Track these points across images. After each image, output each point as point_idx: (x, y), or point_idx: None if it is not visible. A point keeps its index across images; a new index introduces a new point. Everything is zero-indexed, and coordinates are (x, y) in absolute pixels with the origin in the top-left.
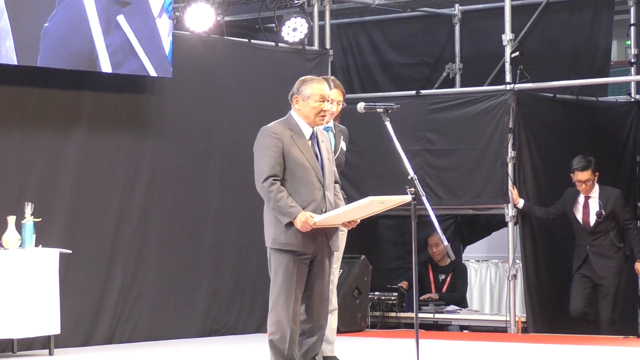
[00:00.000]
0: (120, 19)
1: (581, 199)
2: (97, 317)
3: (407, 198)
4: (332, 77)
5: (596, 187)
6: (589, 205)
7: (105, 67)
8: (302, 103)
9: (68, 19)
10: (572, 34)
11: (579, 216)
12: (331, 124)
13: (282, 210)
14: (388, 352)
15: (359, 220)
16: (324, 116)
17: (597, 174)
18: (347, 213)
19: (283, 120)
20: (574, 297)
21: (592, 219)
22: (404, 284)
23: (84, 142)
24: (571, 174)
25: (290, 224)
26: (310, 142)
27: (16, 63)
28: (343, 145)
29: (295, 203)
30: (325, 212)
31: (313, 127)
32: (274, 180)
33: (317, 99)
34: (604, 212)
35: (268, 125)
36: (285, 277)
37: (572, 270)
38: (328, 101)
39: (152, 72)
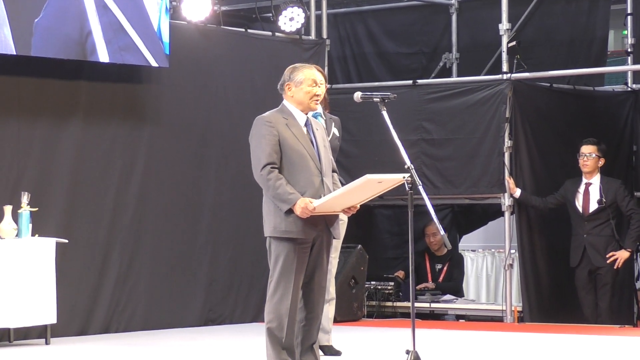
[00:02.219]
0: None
1: (582, 187)
2: (94, 307)
3: (406, 176)
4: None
5: (598, 175)
6: (590, 192)
7: (101, 50)
8: (294, 89)
9: (61, 6)
10: (569, 24)
11: (579, 204)
12: (320, 110)
13: (281, 197)
14: (384, 342)
15: (358, 206)
16: (317, 100)
17: (602, 161)
18: (346, 195)
19: (277, 110)
20: (585, 304)
21: (592, 207)
22: (400, 274)
23: (80, 132)
24: (578, 157)
25: (290, 211)
26: (305, 129)
27: (14, 53)
28: (335, 131)
29: (294, 190)
30: (325, 196)
31: (307, 114)
32: (271, 168)
33: (309, 84)
34: (604, 199)
35: (262, 114)
36: (285, 265)
37: (571, 262)
38: (319, 86)
39: (146, 52)
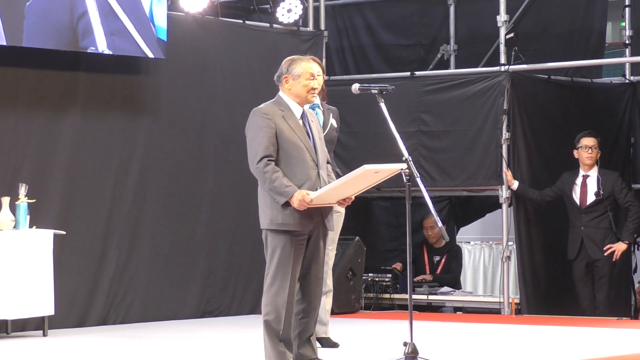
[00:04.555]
0: None
1: (579, 179)
2: (91, 299)
3: (402, 165)
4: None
5: (596, 167)
6: (587, 184)
7: (92, 34)
8: (292, 82)
9: None
10: (566, 16)
11: (576, 196)
12: (318, 101)
13: (278, 190)
14: (382, 334)
15: (353, 197)
16: (314, 93)
17: (599, 153)
18: (343, 186)
19: (273, 101)
20: (582, 296)
21: (590, 199)
22: (398, 266)
23: (78, 123)
24: (575, 150)
25: (287, 204)
26: (301, 122)
27: (5, 43)
28: (333, 122)
29: (290, 182)
30: (322, 188)
31: (303, 107)
32: (268, 160)
33: (307, 77)
34: (602, 192)
35: (259, 106)
36: (282, 258)
37: (568, 254)
38: (316, 79)
39: (137, 37)
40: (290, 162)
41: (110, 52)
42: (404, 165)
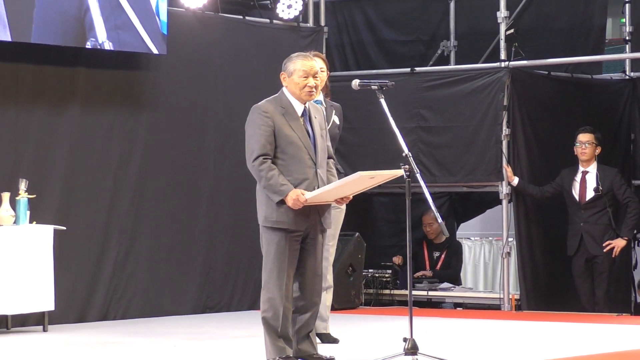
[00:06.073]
0: None
1: (578, 176)
2: (91, 294)
3: (398, 172)
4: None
5: (595, 163)
6: (586, 180)
7: (98, 26)
8: (288, 80)
9: None
10: (567, 12)
11: (576, 192)
12: (321, 97)
13: (273, 188)
14: (382, 330)
15: (351, 197)
16: (310, 92)
17: (598, 149)
18: (338, 189)
19: (275, 98)
20: (582, 292)
21: (589, 195)
22: (398, 259)
23: (78, 119)
24: (574, 147)
25: (282, 202)
26: (302, 120)
27: (11, 37)
28: (335, 118)
29: (286, 181)
30: (317, 189)
31: (304, 104)
32: (264, 159)
33: (300, 75)
34: (601, 188)
35: (259, 103)
36: (277, 255)
37: (568, 250)
38: (314, 77)
39: (142, 31)
40: (288, 161)
41: (111, 46)
42: (401, 172)
